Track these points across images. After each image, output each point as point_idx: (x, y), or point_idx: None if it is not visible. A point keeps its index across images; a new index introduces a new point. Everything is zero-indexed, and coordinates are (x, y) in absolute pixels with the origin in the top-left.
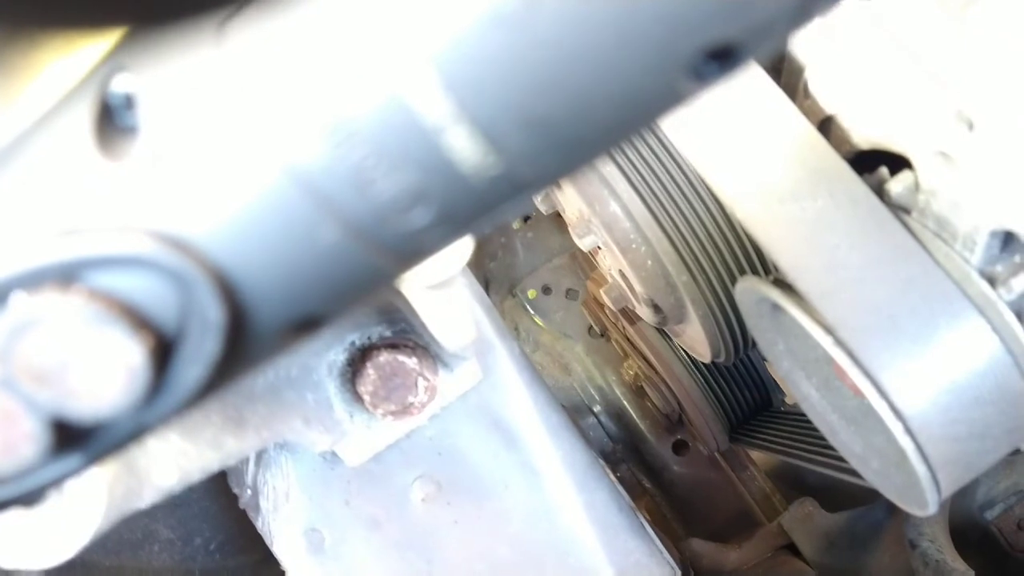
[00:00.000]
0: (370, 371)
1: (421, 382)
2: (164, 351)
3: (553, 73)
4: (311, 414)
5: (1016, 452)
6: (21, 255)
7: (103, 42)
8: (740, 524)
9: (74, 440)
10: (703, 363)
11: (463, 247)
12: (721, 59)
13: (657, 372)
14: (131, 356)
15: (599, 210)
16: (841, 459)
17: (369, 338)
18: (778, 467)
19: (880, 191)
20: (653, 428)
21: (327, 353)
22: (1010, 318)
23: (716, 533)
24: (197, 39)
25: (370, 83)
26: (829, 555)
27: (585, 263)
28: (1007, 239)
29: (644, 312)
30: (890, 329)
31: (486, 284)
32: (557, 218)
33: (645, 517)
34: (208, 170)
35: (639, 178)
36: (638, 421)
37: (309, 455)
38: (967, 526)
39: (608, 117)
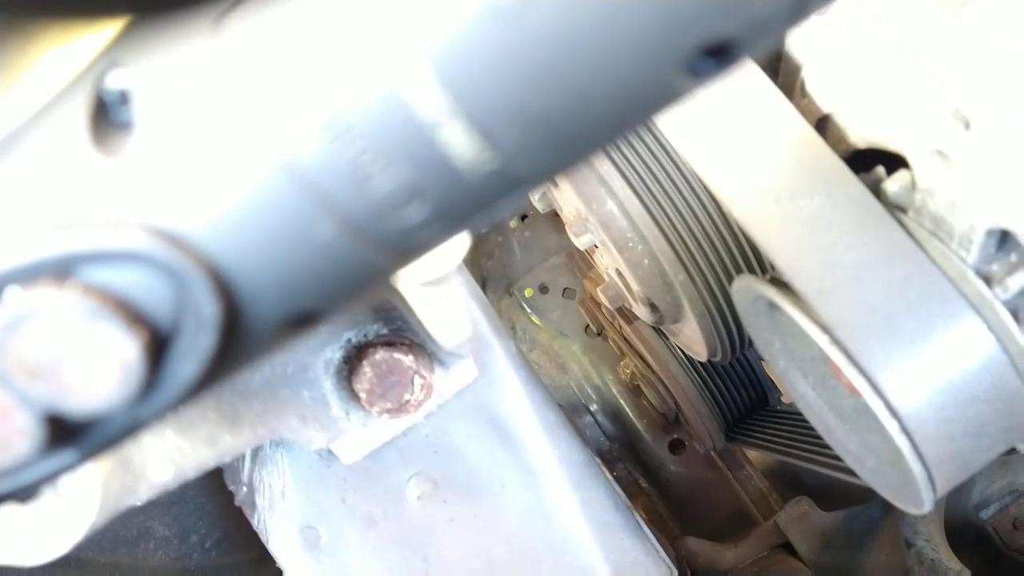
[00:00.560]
0: (366, 369)
1: (417, 380)
2: (159, 346)
3: (549, 69)
4: (307, 411)
5: (1011, 451)
6: (16, 250)
7: (99, 33)
8: (736, 523)
9: (68, 435)
10: (700, 362)
11: (459, 244)
12: (717, 56)
13: (654, 371)
14: (126, 351)
15: (596, 208)
16: (837, 458)
17: (365, 336)
18: (774, 466)
19: (877, 190)
20: (650, 427)
21: (323, 350)
22: (1006, 317)
23: (712, 532)
24: (193, 34)
25: (366, 78)
26: (825, 554)
27: (582, 262)
28: (1003, 238)
29: (641, 311)
30: (886, 328)
31: (483, 283)
32: (554, 217)
33: (641, 516)
34: (203, 165)
35: (636, 177)
36: (635, 420)
37: (305, 452)
38: (962, 525)
39: (604, 113)
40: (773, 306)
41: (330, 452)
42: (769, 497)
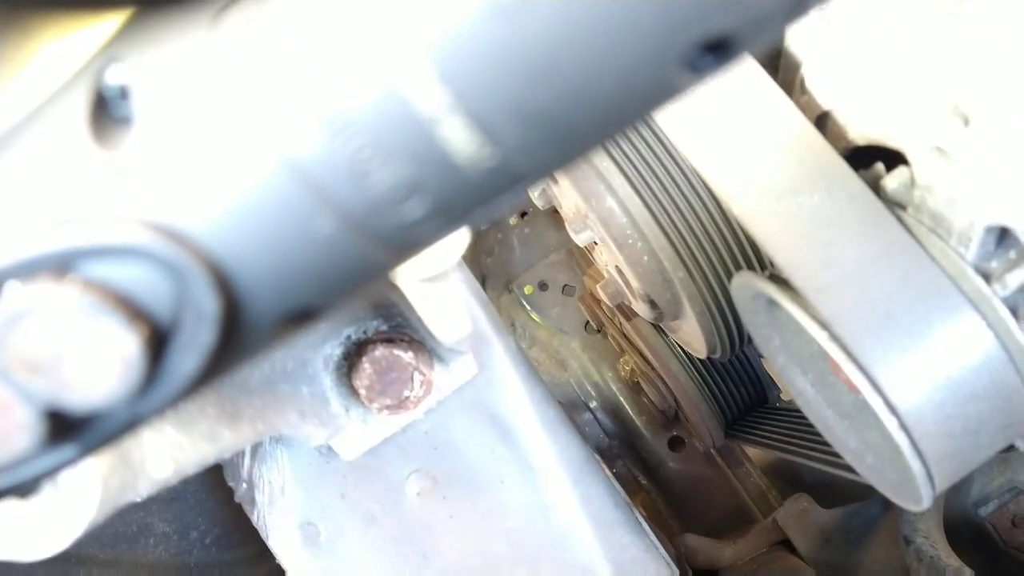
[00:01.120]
0: (366, 365)
1: (417, 376)
2: (159, 341)
3: (549, 65)
4: (307, 408)
5: (1010, 448)
6: (15, 245)
7: (99, 28)
8: (736, 520)
9: (68, 430)
10: (699, 359)
11: (458, 240)
12: (717, 51)
13: (653, 368)
14: (126, 346)
15: (595, 205)
16: (836, 455)
17: (365, 332)
18: (774, 463)
19: (876, 187)
20: (649, 424)
21: (323, 347)
22: (1005, 314)
23: (712, 529)
24: (192, 29)
25: (366, 74)
26: (824, 551)
27: (582, 259)
28: (1002, 235)
29: (640, 308)
30: (885, 325)
31: (483, 280)
32: (554, 214)
33: (641, 513)
34: (203, 161)
35: (636, 174)
36: (634, 417)
37: (305, 449)
38: (961, 522)
39: (604, 109)
40: (772, 303)
41: (330, 448)
42: (768, 494)
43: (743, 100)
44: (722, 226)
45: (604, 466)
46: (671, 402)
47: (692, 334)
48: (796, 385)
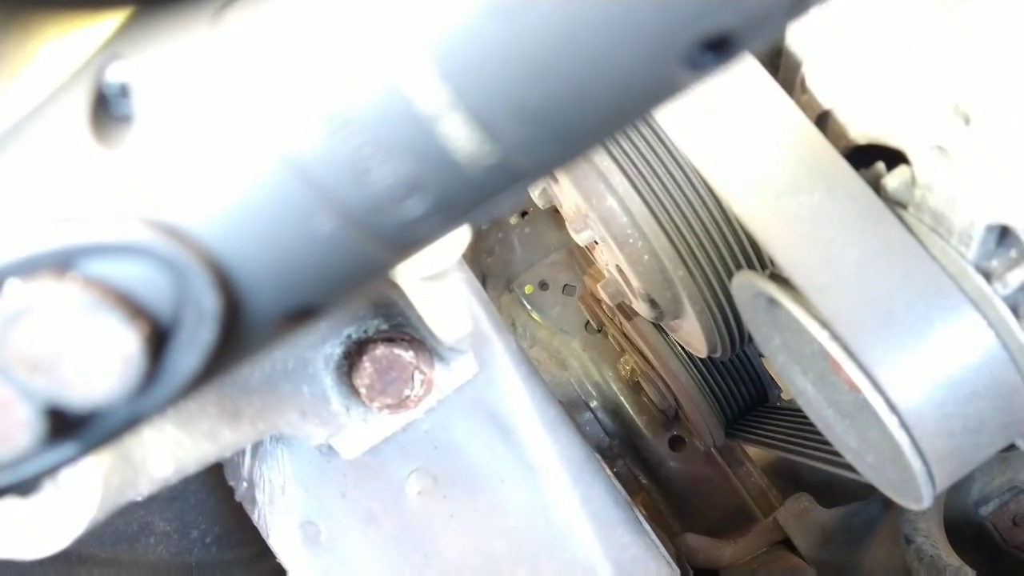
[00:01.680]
0: (366, 364)
1: (417, 376)
2: (159, 339)
3: (549, 62)
4: (307, 407)
5: (1011, 448)
6: (16, 242)
7: (100, 26)
8: (736, 520)
9: (69, 428)
10: (699, 358)
11: (459, 238)
12: (717, 49)
13: (654, 367)
14: (126, 344)
15: (596, 204)
16: (837, 454)
17: (366, 331)
18: (774, 463)
19: (877, 186)
20: (650, 424)
21: (323, 346)
22: (1005, 313)
23: (712, 529)
24: (193, 27)
25: (366, 71)
26: (825, 550)
27: (582, 258)
28: (1003, 234)
29: (641, 307)
30: (886, 324)
31: (483, 279)
32: (554, 213)
33: (642, 512)
34: (203, 158)
35: (636, 173)
36: (635, 417)
37: (305, 448)
38: (962, 522)
39: (604, 106)
40: (773, 302)
41: (330, 447)
42: (769, 494)
43: (743, 99)
44: (722, 225)
45: (605, 465)
46: (671, 401)
47: (692, 333)
48: (796, 384)
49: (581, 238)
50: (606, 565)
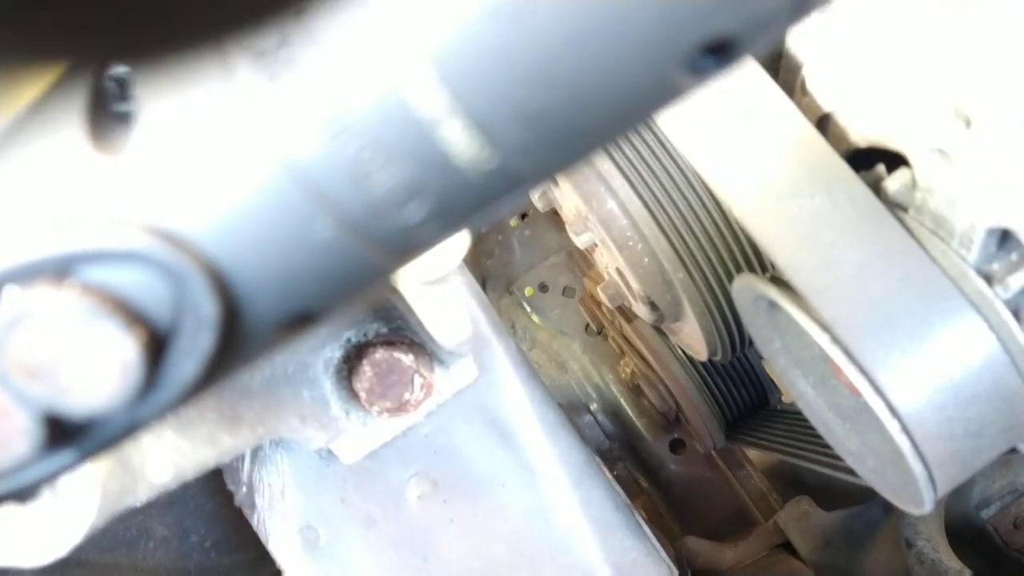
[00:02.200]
0: (366, 368)
1: (417, 379)
2: (158, 346)
3: (549, 67)
4: (307, 411)
5: (1013, 451)
6: (14, 249)
7: None
8: (736, 523)
9: (67, 435)
10: (700, 361)
11: (459, 243)
12: (718, 53)
13: (654, 370)
14: (124, 351)
15: (596, 207)
16: (837, 457)
17: (365, 335)
18: (775, 466)
19: (877, 189)
20: (650, 426)
21: (323, 350)
22: (1007, 316)
23: (712, 531)
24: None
25: (366, 75)
26: (825, 554)
27: (582, 261)
28: (1004, 237)
29: (641, 310)
30: (886, 326)
31: (483, 281)
32: (554, 216)
33: (642, 515)
34: (201, 163)
35: (636, 175)
36: (635, 419)
37: (305, 452)
38: (963, 525)
39: (605, 111)
40: (773, 305)
41: (330, 452)
42: (769, 497)
43: (744, 102)
44: (723, 228)
45: (605, 469)
46: (672, 404)
47: (693, 336)
48: (797, 387)
49: (581, 241)
50: (606, 569)
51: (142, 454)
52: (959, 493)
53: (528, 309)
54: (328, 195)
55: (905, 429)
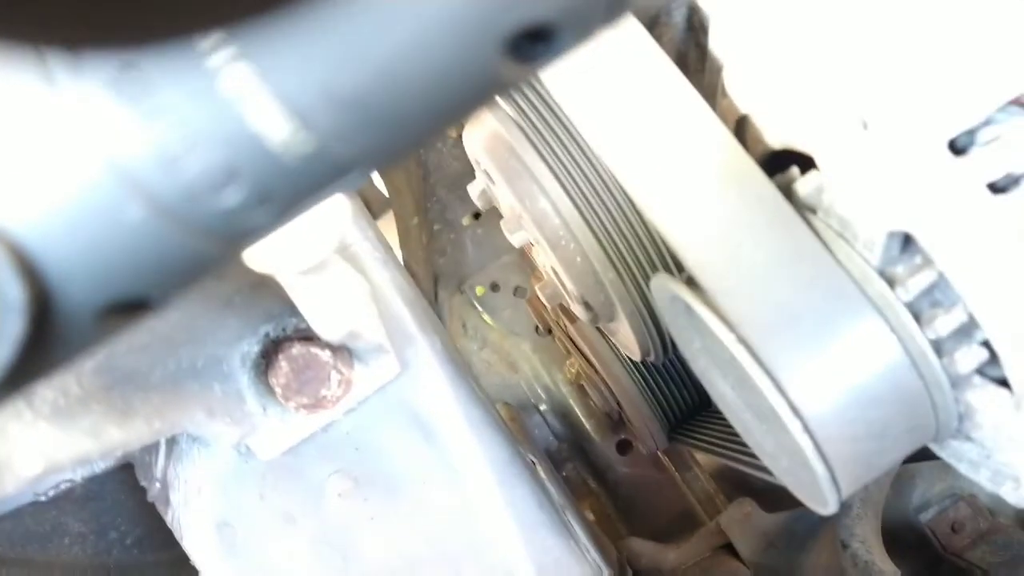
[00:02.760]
0: (282, 363)
1: (335, 375)
2: None
3: (359, 48)
4: (217, 406)
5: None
6: None
7: None
8: (683, 524)
9: None
10: (642, 362)
11: (331, 230)
12: (540, 40)
13: (596, 371)
14: None
15: (529, 206)
16: (756, 457)
17: (284, 329)
18: (722, 468)
19: (789, 191)
20: (597, 428)
21: (239, 344)
22: (907, 319)
23: (659, 533)
24: None
25: (166, 51)
26: (766, 555)
27: (532, 260)
28: (907, 240)
29: (577, 309)
30: (791, 327)
31: (435, 280)
32: None
33: (589, 517)
34: (1, 145)
35: (567, 175)
36: (583, 420)
37: (223, 448)
38: (902, 528)
39: (425, 97)
40: (689, 306)
41: (248, 448)
42: (716, 498)
43: (657, 101)
44: (651, 228)
45: (532, 467)
46: (614, 405)
47: (627, 336)
48: (717, 388)
49: (515, 239)
50: (528, 567)
51: (9, 444)
52: (899, 496)
53: (479, 308)
54: (135, 177)
55: (807, 429)
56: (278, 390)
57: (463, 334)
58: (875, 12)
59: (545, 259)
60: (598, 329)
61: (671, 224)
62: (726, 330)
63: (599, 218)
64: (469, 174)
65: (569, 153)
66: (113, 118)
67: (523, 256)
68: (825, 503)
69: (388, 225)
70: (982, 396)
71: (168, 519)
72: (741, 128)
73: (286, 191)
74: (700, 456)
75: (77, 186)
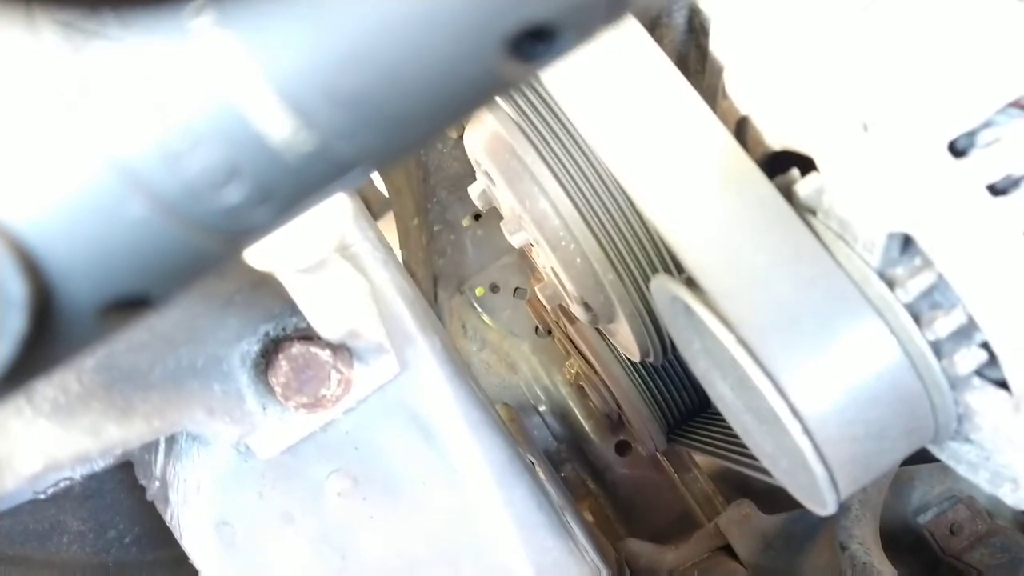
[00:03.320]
0: (282, 362)
1: (334, 375)
2: None
3: (360, 47)
4: (217, 405)
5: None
6: None
7: None
8: (681, 525)
9: None
10: (642, 363)
11: (331, 229)
12: (543, 40)
13: (596, 372)
14: None
15: (529, 207)
16: (756, 459)
17: (284, 329)
18: (721, 469)
19: (789, 192)
20: (597, 428)
21: (239, 343)
22: (907, 320)
23: (658, 534)
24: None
25: (170, 48)
26: (765, 556)
27: (532, 261)
28: (906, 241)
29: (577, 310)
30: (791, 328)
31: (435, 281)
32: None
33: (588, 518)
34: (4, 140)
35: (567, 176)
36: (583, 421)
37: (223, 447)
38: (901, 530)
39: (426, 96)
40: (690, 307)
41: (248, 447)
42: (715, 499)
43: (658, 103)
44: (651, 229)
45: (532, 468)
46: (614, 406)
47: (627, 337)
48: (717, 389)
49: (515, 240)
50: (527, 568)
51: (9, 442)
52: (898, 498)
53: (479, 309)
54: (137, 174)
55: (806, 430)
56: (278, 389)
57: (463, 335)
58: (875, 14)
59: (545, 260)
60: (598, 330)
61: (671, 225)
62: (726, 331)
63: (599, 219)
64: (469, 175)
65: (570, 154)
66: (111, 112)
67: (523, 257)
68: (824, 504)
69: (388, 225)
70: (981, 398)
71: (167, 518)
72: (741, 129)
73: (287, 189)
74: (699, 457)
75: (79, 182)
